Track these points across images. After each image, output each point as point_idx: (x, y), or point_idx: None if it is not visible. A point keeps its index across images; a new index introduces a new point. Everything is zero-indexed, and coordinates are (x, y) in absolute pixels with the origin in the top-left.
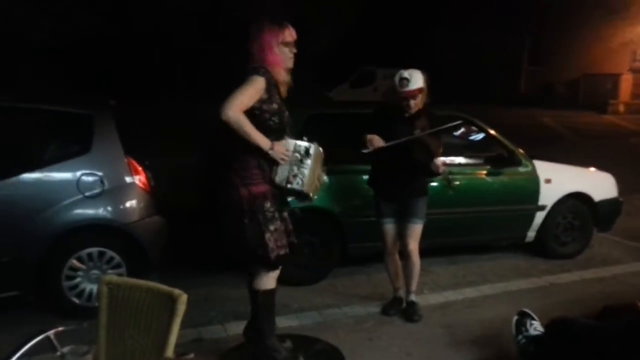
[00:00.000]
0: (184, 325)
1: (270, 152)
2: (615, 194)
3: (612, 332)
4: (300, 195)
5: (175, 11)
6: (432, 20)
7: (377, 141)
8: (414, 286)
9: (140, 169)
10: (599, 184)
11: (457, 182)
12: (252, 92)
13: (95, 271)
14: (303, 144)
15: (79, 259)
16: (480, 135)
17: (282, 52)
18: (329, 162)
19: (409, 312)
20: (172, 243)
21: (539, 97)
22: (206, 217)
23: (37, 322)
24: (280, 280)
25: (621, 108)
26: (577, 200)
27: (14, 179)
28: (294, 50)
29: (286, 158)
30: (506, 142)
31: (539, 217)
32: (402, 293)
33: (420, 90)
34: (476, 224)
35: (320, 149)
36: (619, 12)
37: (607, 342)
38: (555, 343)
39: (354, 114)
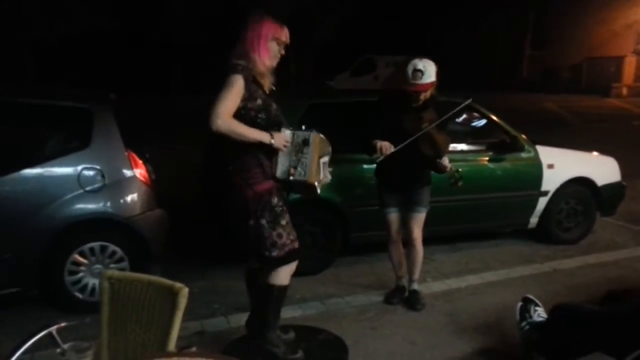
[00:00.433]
0: (186, 318)
1: (272, 142)
2: (618, 178)
3: (616, 317)
4: (305, 186)
5: (176, 5)
6: (434, 6)
7: (387, 148)
8: (417, 275)
9: (140, 162)
10: (602, 169)
11: (461, 184)
12: (234, 94)
13: (97, 266)
14: (302, 133)
15: (81, 254)
16: (483, 121)
17: (272, 47)
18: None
19: (412, 301)
20: (175, 236)
21: (541, 82)
22: (207, 213)
23: (40, 317)
24: None
25: (624, 91)
26: (580, 185)
27: (14, 174)
28: (282, 52)
29: (288, 145)
30: (508, 127)
31: (542, 202)
32: (404, 281)
33: (432, 84)
34: (479, 210)
35: (322, 135)
36: None
37: (611, 327)
38: (559, 329)
39: (354, 102)
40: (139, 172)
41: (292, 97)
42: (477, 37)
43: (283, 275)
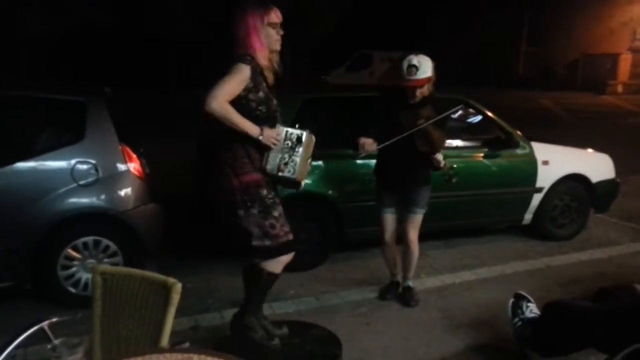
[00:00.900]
0: (180, 313)
1: (261, 137)
2: (612, 175)
3: (608, 314)
4: (291, 182)
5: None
6: (430, 2)
7: (368, 145)
8: (411, 273)
9: (134, 156)
10: (596, 165)
11: (455, 180)
12: (236, 81)
13: (91, 260)
14: (295, 131)
15: (75, 248)
16: (478, 118)
17: (268, 34)
18: (324, 147)
19: (406, 297)
20: (169, 230)
21: (537, 79)
22: (202, 206)
23: (33, 311)
24: None
25: (620, 88)
26: (574, 181)
27: (7, 168)
28: (281, 32)
29: (277, 143)
30: (504, 124)
31: (536, 199)
32: (399, 277)
33: (428, 79)
34: (473, 206)
35: (313, 136)
36: None
37: (603, 324)
38: (551, 325)
39: (349, 98)
40: (133, 166)
41: (287, 92)
42: (473, 33)
43: (275, 264)
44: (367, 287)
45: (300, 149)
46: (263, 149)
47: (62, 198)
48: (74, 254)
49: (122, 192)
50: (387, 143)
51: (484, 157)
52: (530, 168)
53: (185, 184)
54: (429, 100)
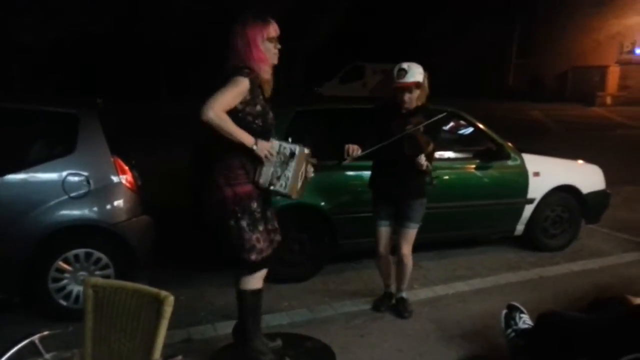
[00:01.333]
0: (173, 325)
1: (254, 147)
2: (603, 186)
3: (601, 324)
4: (283, 196)
5: (164, 10)
6: (422, 15)
7: (353, 150)
8: (405, 285)
9: (126, 168)
10: (586, 177)
11: (435, 182)
12: (234, 93)
13: (82, 273)
14: (288, 146)
15: (66, 261)
16: (469, 129)
17: (267, 48)
18: (317, 159)
19: (400, 308)
20: (161, 242)
21: (527, 91)
22: (195, 217)
23: (23, 325)
24: (270, 278)
25: (608, 100)
26: (565, 192)
27: None
28: (278, 46)
29: (270, 156)
30: (495, 136)
31: (528, 210)
32: (393, 288)
33: (417, 84)
34: (466, 218)
35: (306, 150)
36: (606, 4)
37: (596, 335)
38: (545, 336)
39: (342, 109)
40: (125, 178)
41: (280, 104)
42: (464, 46)
43: (254, 280)
44: (361, 299)
45: (293, 164)
46: (257, 160)
47: (53, 210)
48: (65, 266)
49: (114, 204)
50: (371, 149)
51: (475, 168)
52: (521, 179)
53: (177, 195)
54: (422, 111)
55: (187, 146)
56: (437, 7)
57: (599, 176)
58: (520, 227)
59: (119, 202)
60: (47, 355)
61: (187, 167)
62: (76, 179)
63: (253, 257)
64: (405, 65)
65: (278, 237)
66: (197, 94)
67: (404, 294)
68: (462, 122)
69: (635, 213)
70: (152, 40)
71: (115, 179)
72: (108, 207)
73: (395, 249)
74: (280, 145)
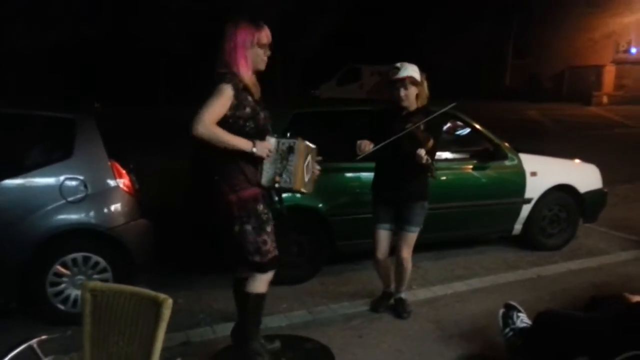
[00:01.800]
0: (172, 328)
1: (254, 150)
2: (600, 185)
3: (598, 323)
4: (292, 192)
5: (161, 14)
6: (419, 16)
7: (365, 145)
8: (403, 287)
9: (124, 172)
10: (584, 176)
11: (441, 177)
12: (221, 102)
13: (80, 277)
14: (287, 141)
15: (64, 265)
16: (466, 130)
17: (256, 54)
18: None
19: (398, 309)
20: (159, 246)
21: (524, 91)
22: (193, 222)
23: (21, 329)
24: None
25: (605, 99)
26: (562, 192)
27: None
28: (268, 53)
29: (272, 153)
30: (492, 136)
31: (526, 209)
32: (392, 288)
33: (411, 80)
34: (464, 218)
35: (307, 142)
36: (601, 3)
37: (594, 333)
38: (543, 335)
39: (339, 112)
40: (123, 182)
41: (277, 106)
42: (461, 47)
43: (260, 283)
44: (360, 300)
45: (294, 158)
46: (257, 162)
47: (50, 215)
48: (63, 270)
49: (112, 208)
50: (383, 143)
51: (473, 169)
52: (518, 179)
53: (175, 199)
54: (423, 112)
55: (186, 150)
56: (433, 9)
57: (596, 175)
58: (518, 227)
59: (116, 206)
60: (45, 359)
61: (186, 170)
62: (74, 183)
63: (257, 259)
64: (398, 64)
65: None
66: (196, 99)
67: (403, 295)
68: (459, 122)
69: (632, 212)
70: (150, 45)
71: (112, 183)
72: (106, 211)
73: (394, 250)
74: (278, 142)
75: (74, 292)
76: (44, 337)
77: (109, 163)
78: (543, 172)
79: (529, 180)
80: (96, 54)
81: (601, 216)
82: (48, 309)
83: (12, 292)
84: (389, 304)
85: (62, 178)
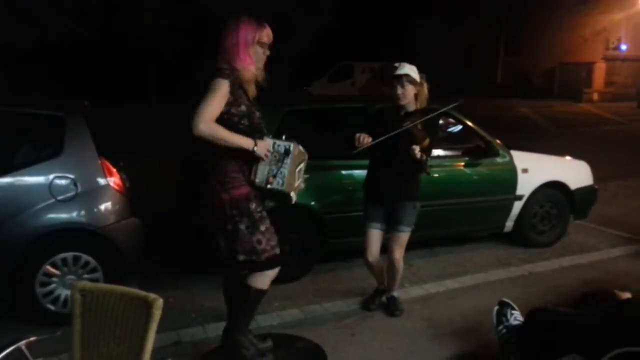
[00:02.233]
0: (162, 328)
1: (255, 148)
2: (590, 181)
3: (590, 320)
4: (281, 195)
5: (150, 11)
6: (409, 13)
7: (364, 138)
8: (395, 286)
9: (114, 170)
10: (574, 172)
11: (433, 174)
12: (218, 98)
13: (70, 276)
14: (282, 143)
15: (53, 265)
16: (458, 127)
17: (255, 51)
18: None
19: (391, 307)
20: (150, 244)
21: (515, 88)
22: (184, 220)
23: (10, 330)
24: None
25: (595, 96)
26: (553, 189)
27: None
28: (268, 52)
29: (269, 155)
30: (483, 133)
31: (517, 206)
32: (385, 285)
33: (408, 78)
34: (455, 215)
35: (301, 147)
36: (592, 1)
37: (585, 329)
38: (535, 332)
39: (331, 109)
40: (113, 180)
41: (269, 104)
42: (452, 43)
43: (262, 279)
44: (352, 298)
45: (288, 161)
46: (252, 161)
47: (40, 214)
48: (53, 270)
49: (102, 207)
50: (382, 138)
51: (464, 166)
52: (510, 176)
53: (166, 197)
54: (421, 112)
55: (177, 148)
56: (425, 6)
57: (586, 172)
58: (509, 224)
59: (107, 205)
60: None
61: (177, 169)
62: (63, 181)
63: (253, 258)
64: (396, 64)
65: None
66: (187, 97)
67: (395, 293)
68: (451, 119)
69: (622, 208)
70: (140, 43)
71: (102, 181)
72: (96, 210)
73: (385, 249)
74: (274, 143)
75: (64, 292)
76: (32, 338)
77: (99, 161)
78: (534, 169)
79: (521, 177)
80: (85, 51)
81: (592, 213)
82: (38, 309)
83: (2, 292)
84: (381, 302)
85: (51, 176)
